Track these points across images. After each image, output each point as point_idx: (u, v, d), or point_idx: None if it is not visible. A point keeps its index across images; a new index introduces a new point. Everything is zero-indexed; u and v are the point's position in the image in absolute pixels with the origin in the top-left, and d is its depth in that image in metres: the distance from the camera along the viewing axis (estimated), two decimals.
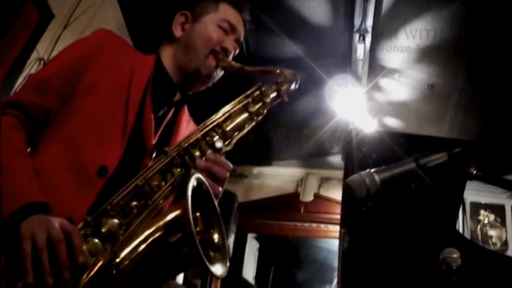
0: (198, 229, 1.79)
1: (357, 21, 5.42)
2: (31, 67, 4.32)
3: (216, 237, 1.88)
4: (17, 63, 4.16)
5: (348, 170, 3.54)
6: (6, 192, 1.70)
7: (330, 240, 8.15)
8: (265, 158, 8.66)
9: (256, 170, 8.74)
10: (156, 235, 1.71)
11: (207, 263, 1.66)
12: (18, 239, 1.57)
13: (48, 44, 4.54)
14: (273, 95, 2.31)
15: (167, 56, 2.39)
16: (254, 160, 8.55)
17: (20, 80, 4.18)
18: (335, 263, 7.97)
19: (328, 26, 5.64)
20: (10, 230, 1.61)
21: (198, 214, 1.85)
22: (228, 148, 2.16)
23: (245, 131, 2.23)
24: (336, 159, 8.25)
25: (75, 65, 2.13)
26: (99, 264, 1.66)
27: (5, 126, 1.91)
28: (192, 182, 1.75)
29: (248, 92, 2.28)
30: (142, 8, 5.54)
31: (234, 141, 2.18)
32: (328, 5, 5.35)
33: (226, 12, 2.44)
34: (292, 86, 2.34)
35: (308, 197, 8.32)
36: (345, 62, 6.14)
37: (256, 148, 7.88)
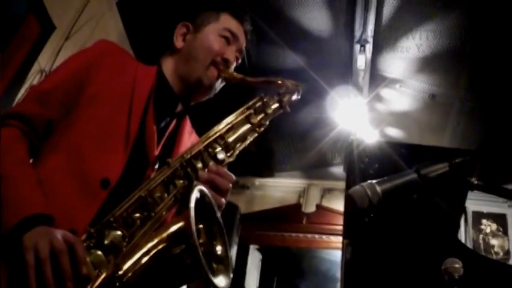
0: (201, 241, 1.78)
1: (358, 32, 5.44)
2: (33, 79, 4.32)
3: (219, 249, 1.87)
4: (18, 75, 4.16)
5: (350, 180, 3.54)
6: (9, 204, 1.68)
7: (332, 251, 8.12)
8: (267, 169, 8.66)
9: (258, 181, 8.74)
10: (159, 247, 1.70)
11: (210, 275, 1.65)
12: (21, 250, 1.56)
13: (49, 56, 4.54)
14: (275, 105, 2.30)
15: (169, 66, 2.38)
16: (256, 171, 8.55)
17: (22, 91, 4.18)
18: (338, 274, 7.94)
19: (329, 36, 5.66)
20: (13, 241, 1.59)
21: (201, 226, 1.84)
22: (231, 159, 2.15)
23: (247, 142, 2.22)
24: (338, 170, 8.24)
25: (77, 76, 2.12)
26: (102, 276, 1.64)
27: (7, 137, 1.90)
28: (195, 194, 1.75)
29: (250, 103, 2.27)
30: (143, 19, 5.55)
31: (237, 152, 2.17)
32: (329, 15, 5.37)
33: (228, 22, 2.44)
34: (294, 97, 2.34)
35: (310, 208, 8.31)
36: (346, 72, 6.15)
37: (258, 159, 7.89)
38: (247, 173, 8.42)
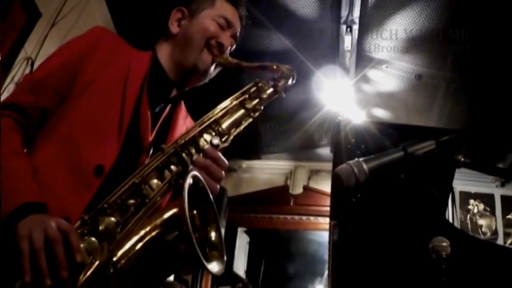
0: (195, 227, 1.79)
1: (344, 13, 5.41)
2: (19, 66, 4.31)
3: (213, 235, 1.88)
4: (5, 63, 4.14)
5: (337, 161, 3.54)
6: (3, 194, 1.69)
7: (320, 232, 8.15)
8: (254, 152, 8.66)
9: (245, 163, 8.75)
10: (153, 233, 1.71)
11: (204, 262, 1.65)
12: (15, 239, 1.57)
13: (35, 43, 4.52)
14: (270, 91, 2.30)
15: (164, 52, 2.37)
16: (243, 154, 8.55)
17: (8, 79, 4.17)
18: (325, 255, 7.98)
19: (316, 17, 5.64)
20: (7, 230, 1.60)
21: (195, 212, 1.85)
22: (225, 145, 2.16)
23: (242, 127, 2.22)
24: (325, 151, 8.25)
25: (70, 64, 2.12)
26: (97, 263, 1.64)
27: (2, 128, 1.89)
28: (189, 180, 1.75)
29: (245, 88, 2.28)
30: (129, 4, 5.51)
31: (231, 137, 2.18)
32: None
33: (223, 8, 2.43)
34: (289, 82, 2.33)
35: (297, 189, 8.34)
36: (332, 53, 6.14)
37: (245, 142, 7.87)
38: (234, 156, 8.40)
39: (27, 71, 4.34)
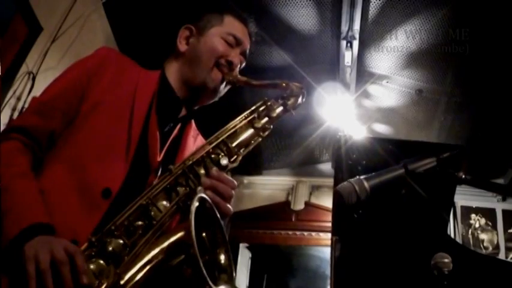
0: (204, 250, 1.77)
1: (344, 28, 5.43)
2: (20, 81, 4.31)
3: (222, 257, 1.86)
4: (6, 77, 4.14)
5: (338, 177, 3.52)
6: (10, 215, 1.69)
7: (321, 248, 8.14)
8: (255, 167, 8.66)
9: (246, 179, 8.74)
10: (161, 257, 1.70)
11: (212, 285, 1.64)
12: (22, 260, 1.56)
13: (37, 58, 4.53)
14: (279, 109, 2.27)
15: (172, 70, 2.35)
16: (244, 170, 8.54)
17: (10, 93, 4.17)
18: (327, 271, 7.98)
19: (316, 33, 5.66)
20: (14, 251, 1.60)
21: (204, 234, 1.83)
22: (234, 165, 2.12)
23: (251, 147, 2.19)
24: (326, 166, 8.27)
25: (77, 85, 2.10)
26: (104, 286, 1.63)
27: (10, 150, 1.90)
28: (196, 203, 1.73)
29: (254, 107, 2.24)
30: (130, 19, 5.52)
31: (240, 158, 2.14)
32: (315, 12, 5.36)
33: (232, 25, 2.41)
34: (299, 100, 2.31)
35: (299, 205, 8.34)
36: (333, 69, 6.16)
37: (246, 157, 7.87)
38: (235, 172, 8.39)
39: (29, 85, 4.36)
